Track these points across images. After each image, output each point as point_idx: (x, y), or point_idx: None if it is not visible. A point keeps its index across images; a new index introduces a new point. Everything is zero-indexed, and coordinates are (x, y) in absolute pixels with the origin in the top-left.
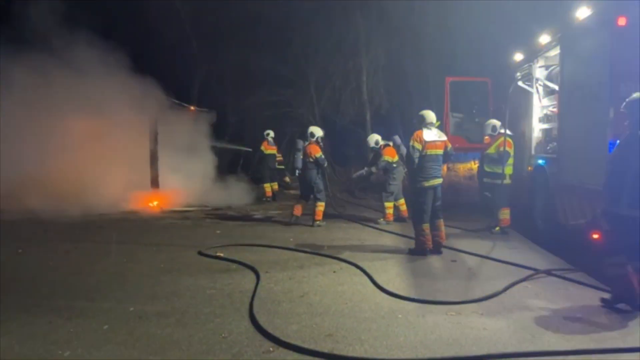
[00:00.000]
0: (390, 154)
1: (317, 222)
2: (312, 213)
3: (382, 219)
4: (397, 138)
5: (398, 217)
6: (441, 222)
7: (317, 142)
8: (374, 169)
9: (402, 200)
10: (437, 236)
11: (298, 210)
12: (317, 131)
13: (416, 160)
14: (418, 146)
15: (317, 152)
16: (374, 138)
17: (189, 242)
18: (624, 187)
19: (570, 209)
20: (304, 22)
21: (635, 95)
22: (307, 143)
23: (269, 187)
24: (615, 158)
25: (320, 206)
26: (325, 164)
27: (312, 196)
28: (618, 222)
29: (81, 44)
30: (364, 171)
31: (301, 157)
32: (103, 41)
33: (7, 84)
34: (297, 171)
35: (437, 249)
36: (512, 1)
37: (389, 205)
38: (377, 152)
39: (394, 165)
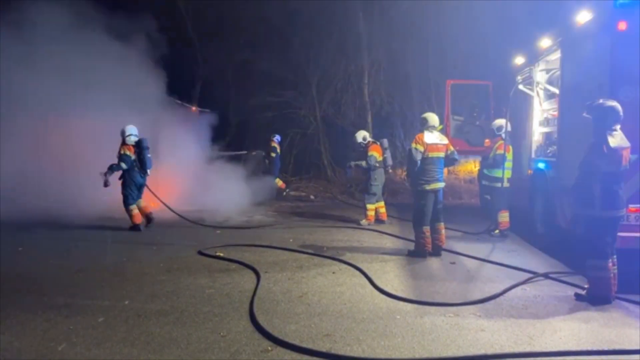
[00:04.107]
0: (377, 151)
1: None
2: (130, 217)
3: (364, 220)
4: (385, 141)
5: (377, 219)
6: (442, 225)
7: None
8: (363, 164)
9: (381, 203)
10: (436, 239)
11: (138, 217)
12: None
13: (418, 163)
14: (420, 148)
15: (129, 151)
16: (362, 134)
17: (189, 241)
18: (594, 191)
19: (569, 212)
20: (305, 23)
21: (599, 101)
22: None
23: (280, 181)
24: (584, 163)
25: (134, 209)
26: (125, 166)
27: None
28: (594, 224)
29: (85, 43)
30: (360, 163)
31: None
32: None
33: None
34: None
35: (436, 252)
36: (513, 5)
37: (370, 207)
38: (364, 148)
39: (377, 165)
